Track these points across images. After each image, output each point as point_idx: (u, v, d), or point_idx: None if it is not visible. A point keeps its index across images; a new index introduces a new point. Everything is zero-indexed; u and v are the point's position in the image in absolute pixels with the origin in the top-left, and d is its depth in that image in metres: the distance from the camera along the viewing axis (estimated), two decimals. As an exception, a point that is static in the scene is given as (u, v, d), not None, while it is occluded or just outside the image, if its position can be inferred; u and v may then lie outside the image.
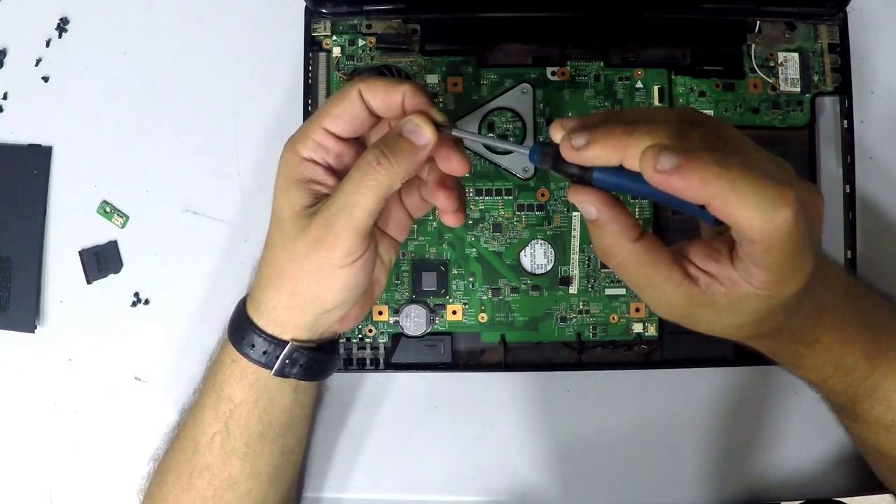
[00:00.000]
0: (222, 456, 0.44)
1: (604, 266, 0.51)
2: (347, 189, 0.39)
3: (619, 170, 0.34)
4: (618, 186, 0.35)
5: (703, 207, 0.32)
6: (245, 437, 0.43)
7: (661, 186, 0.32)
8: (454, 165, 0.40)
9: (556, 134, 0.35)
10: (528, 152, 0.37)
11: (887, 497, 0.50)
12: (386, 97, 0.40)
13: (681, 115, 0.35)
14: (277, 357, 0.42)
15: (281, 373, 0.42)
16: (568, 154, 0.35)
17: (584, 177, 0.35)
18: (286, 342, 0.42)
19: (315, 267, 0.40)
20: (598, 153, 0.34)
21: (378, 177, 0.38)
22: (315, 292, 0.40)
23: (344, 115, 0.40)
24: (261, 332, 0.42)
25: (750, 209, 0.31)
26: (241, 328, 0.42)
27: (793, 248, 0.32)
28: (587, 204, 0.36)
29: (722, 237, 0.36)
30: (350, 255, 0.39)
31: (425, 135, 0.39)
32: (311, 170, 0.41)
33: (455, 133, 0.40)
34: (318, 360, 0.43)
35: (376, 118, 0.41)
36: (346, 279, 0.40)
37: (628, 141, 0.33)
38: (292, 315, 0.41)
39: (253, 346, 0.42)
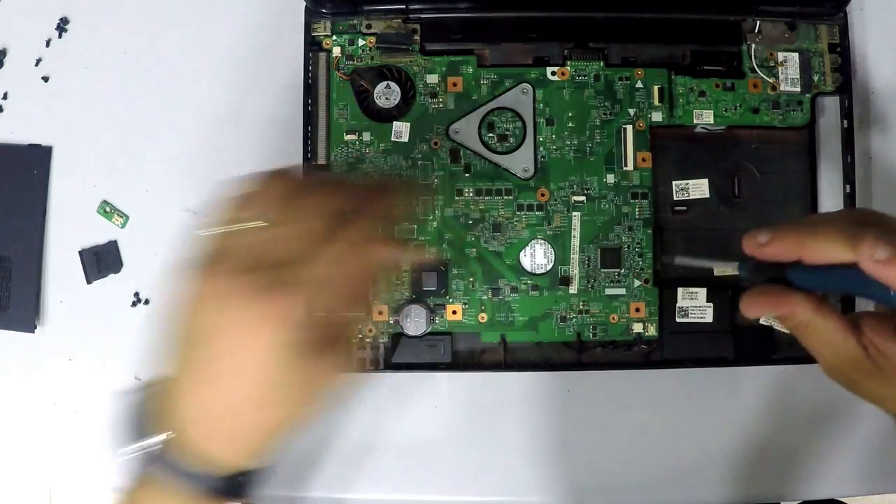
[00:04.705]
0: None
1: (604, 266, 0.51)
2: None
3: (810, 269, 0.36)
4: (809, 284, 0.36)
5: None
6: None
7: (875, 274, 0.34)
8: None
9: (748, 241, 0.37)
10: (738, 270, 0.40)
11: (888, 497, 0.50)
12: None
13: (853, 215, 0.37)
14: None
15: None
16: (751, 249, 0.36)
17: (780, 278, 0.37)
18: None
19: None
20: (779, 248, 0.36)
21: None
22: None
23: None
24: None
25: None
26: None
27: None
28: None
29: (894, 312, 0.37)
30: None
31: None
32: None
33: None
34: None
35: None
36: None
37: (808, 236, 0.35)
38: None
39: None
